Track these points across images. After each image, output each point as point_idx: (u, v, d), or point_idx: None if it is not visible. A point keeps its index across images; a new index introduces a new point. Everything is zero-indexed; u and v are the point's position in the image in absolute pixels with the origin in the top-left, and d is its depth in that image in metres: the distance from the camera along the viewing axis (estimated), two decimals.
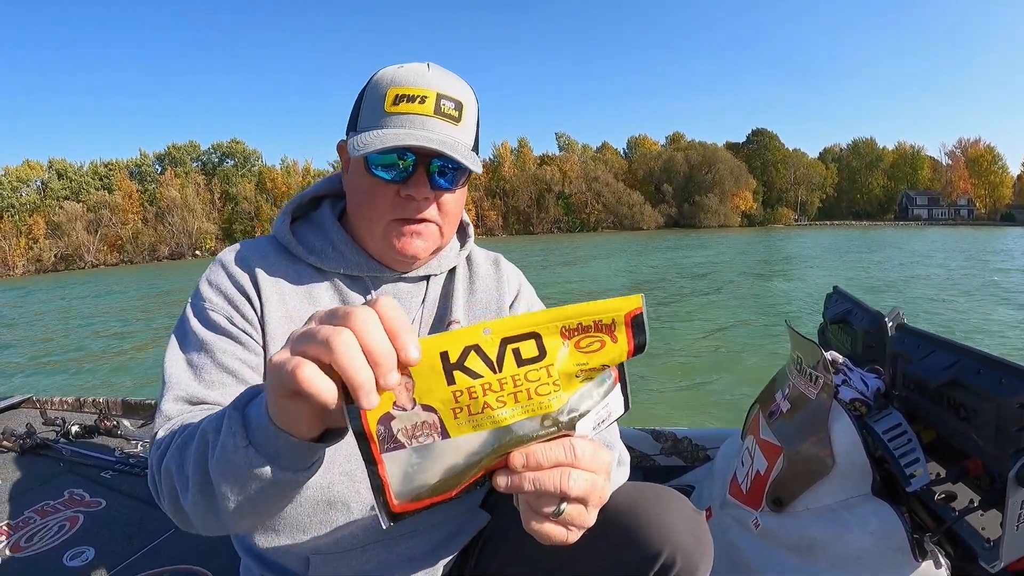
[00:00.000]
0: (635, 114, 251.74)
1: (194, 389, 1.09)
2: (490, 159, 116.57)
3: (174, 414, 1.06)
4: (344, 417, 0.66)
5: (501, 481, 0.71)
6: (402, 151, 1.13)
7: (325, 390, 0.62)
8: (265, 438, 0.77)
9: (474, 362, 0.67)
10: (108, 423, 3.59)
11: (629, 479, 1.22)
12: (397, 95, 1.13)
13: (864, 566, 1.63)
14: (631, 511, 1.13)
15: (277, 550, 1.24)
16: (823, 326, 2.52)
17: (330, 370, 0.62)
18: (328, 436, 0.78)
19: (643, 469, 2.82)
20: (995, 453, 1.47)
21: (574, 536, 0.77)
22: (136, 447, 3.39)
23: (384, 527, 0.70)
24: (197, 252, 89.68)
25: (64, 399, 4.21)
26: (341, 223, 1.32)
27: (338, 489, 1.19)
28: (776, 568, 1.78)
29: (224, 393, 1.08)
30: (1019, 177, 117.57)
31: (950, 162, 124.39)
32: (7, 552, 2.36)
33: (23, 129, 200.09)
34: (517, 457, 0.70)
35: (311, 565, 1.22)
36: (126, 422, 3.68)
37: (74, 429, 3.51)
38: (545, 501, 0.73)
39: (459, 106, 1.17)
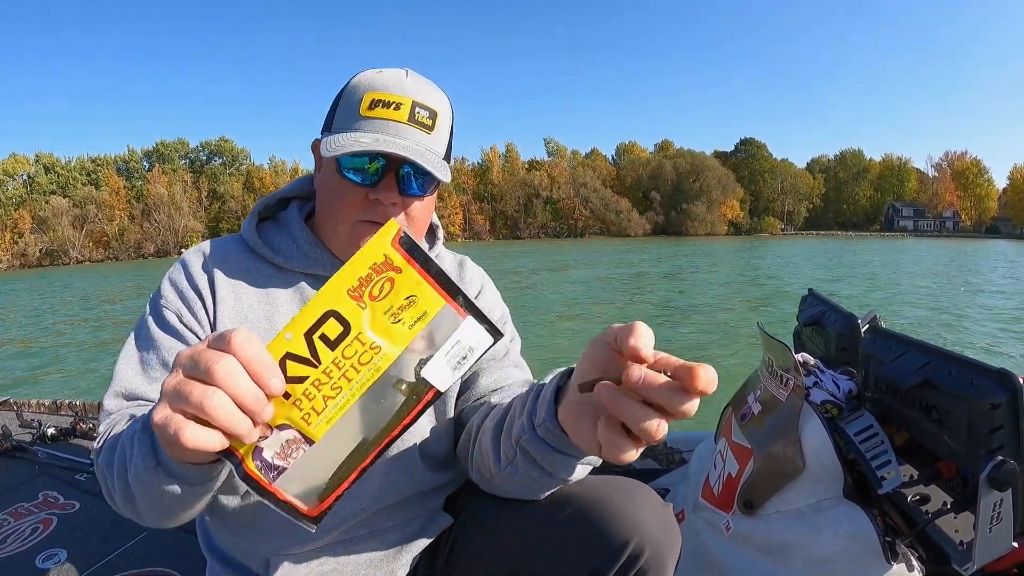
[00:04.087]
0: (624, 121, 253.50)
1: (135, 385, 1.14)
2: (478, 163, 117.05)
3: (113, 409, 1.12)
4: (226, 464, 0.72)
5: (634, 373, 0.68)
6: (373, 155, 1.15)
7: (212, 442, 0.67)
8: (170, 462, 0.82)
9: (294, 368, 0.70)
10: (84, 426, 3.58)
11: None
12: (373, 100, 1.15)
13: (836, 569, 1.62)
14: (597, 503, 1.13)
15: (238, 551, 1.27)
16: (798, 328, 2.51)
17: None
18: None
19: (617, 472, 2.77)
20: (967, 455, 1.46)
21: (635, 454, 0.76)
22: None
23: (313, 531, 0.72)
24: (183, 250, 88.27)
25: (41, 401, 4.20)
26: (308, 225, 1.33)
27: None
28: (747, 571, 1.76)
29: None
30: (1005, 190, 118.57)
31: (936, 174, 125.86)
32: None
33: (10, 123, 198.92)
34: (700, 373, 0.65)
35: (271, 566, 1.22)
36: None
37: (50, 432, 3.49)
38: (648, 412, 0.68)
39: (433, 115, 1.19)
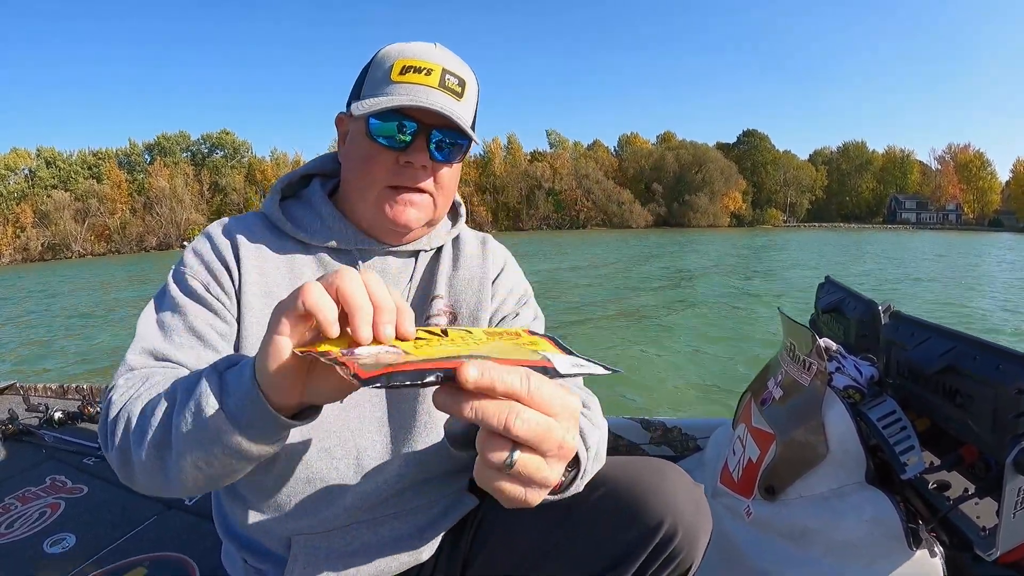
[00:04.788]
0: (626, 113, 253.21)
1: (161, 345, 1.10)
2: (480, 155, 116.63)
3: (138, 365, 1.07)
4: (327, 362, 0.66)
5: (439, 399, 0.62)
6: (404, 121, 1.15)
7: (327, 307, 0.69)
8: (241, 404, 0.80)
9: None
10: (92, 409, 3.56)
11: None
12: (405, 66, 1.15)
13: (858, 554, 1.62)
14: (630, 484, 1.13)
15: (258, 532, 1.23)
16: (815, 316, 2.51)
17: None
18: (301, 415, 0.83)
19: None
20: (991, 440, 1.45)
21: (535, 496, 0.67)
22: None
23: (355, 384, 0.62)
24: (185, 243, 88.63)
25: (48, 386, 4.17)
26: (332, 200, 1.31)
27: (316, 467, 1.18)
28: (769, 556, 1.76)
29: (189, 356, 1.09)
30: (1008, 183, 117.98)
31: (939, 167, 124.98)
32: None
33: (11, 117, 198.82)
34: (470, 370, 0.59)
35: (293, 546, 1.21)
36: None
37: (57, 416, 3.48)
38: (494, 446, 0.63)
39: (462, 83, 1.19)
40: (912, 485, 1.68)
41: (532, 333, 0.80)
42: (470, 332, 0.77)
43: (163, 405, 0.89)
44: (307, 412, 0.84)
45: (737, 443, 2.02)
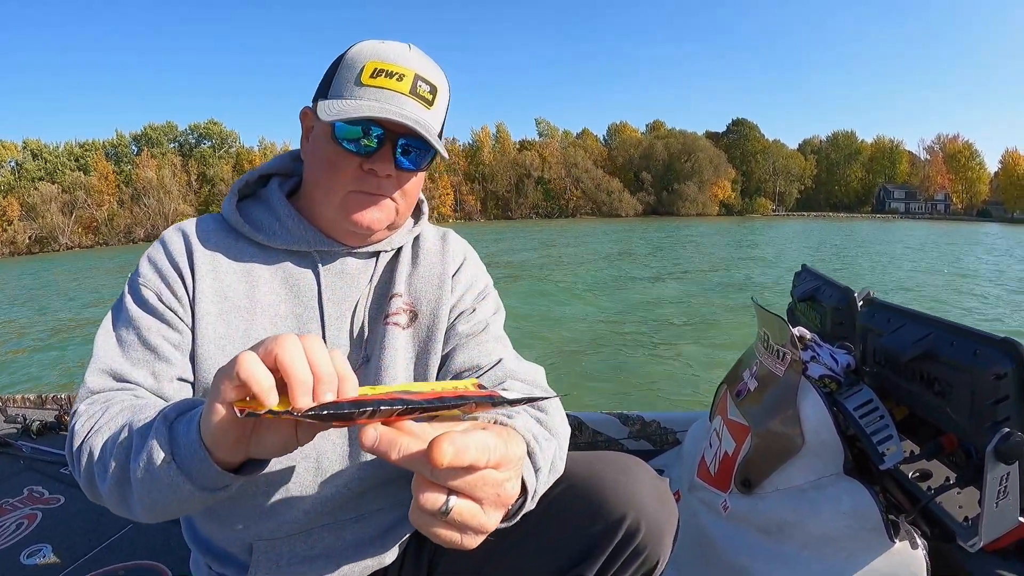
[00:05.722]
0: (615, 101, 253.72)
1: (118, 364, 1.10)
2: (469, 144, 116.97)
3: (97, 388, 1.08)
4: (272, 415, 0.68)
5: (367, 438, 0.64)
6: (370, 127, 1.13)
7: (261, 379, 0.69)
8: (189, 459, 0.82)
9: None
10: (69, 419, 3.49)
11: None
12: (376, 68, 1.13)
13: (837, 547, 1.61)
14: (591, 478, 1.12)
15: (221, 537, 1.24)
16: (792, 305, 2.51)
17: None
18: (247, 468, 0.85)
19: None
20: (971, 427, 1.44)
21: (471, 541, 0.67)
22: None
23: (295, 415, 0.67)
24: None
25: (26, 396, 4.16)
26: (291, 201, 1.30)
27: (275, 471, 1.17)
28: (746, 551, 1.75)
29: (145, 372, 1.10)
30: (996, 174, 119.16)
31: (928, 157, 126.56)
32: None
33: None
34: (443, 446, 0.61)
35: (254, 551, 1.20)
36: None
37: (35, 426, 3.49)
38: (429, 491, 0.63)
39: (434, 90, 1.17)
40: (891, 475, 1.67)
41: (480, 387, 0.78)
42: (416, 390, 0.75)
43: (121, 447, 0.91)
44: (253, 466, 0.87)
45: (713, 436, 2.01)
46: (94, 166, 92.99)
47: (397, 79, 1.12)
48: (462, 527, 0.65)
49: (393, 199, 1.20)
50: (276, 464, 1.16)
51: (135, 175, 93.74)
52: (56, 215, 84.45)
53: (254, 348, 0.71)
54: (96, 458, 0.93)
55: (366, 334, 1.23)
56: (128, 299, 1.16)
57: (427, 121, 1.14)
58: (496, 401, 0.68)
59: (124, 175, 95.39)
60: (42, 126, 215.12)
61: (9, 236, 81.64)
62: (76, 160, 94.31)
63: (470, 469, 0.63)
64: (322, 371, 0.70)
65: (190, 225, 1.26)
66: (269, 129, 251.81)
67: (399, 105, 1.12)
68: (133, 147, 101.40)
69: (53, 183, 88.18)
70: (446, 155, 1.20)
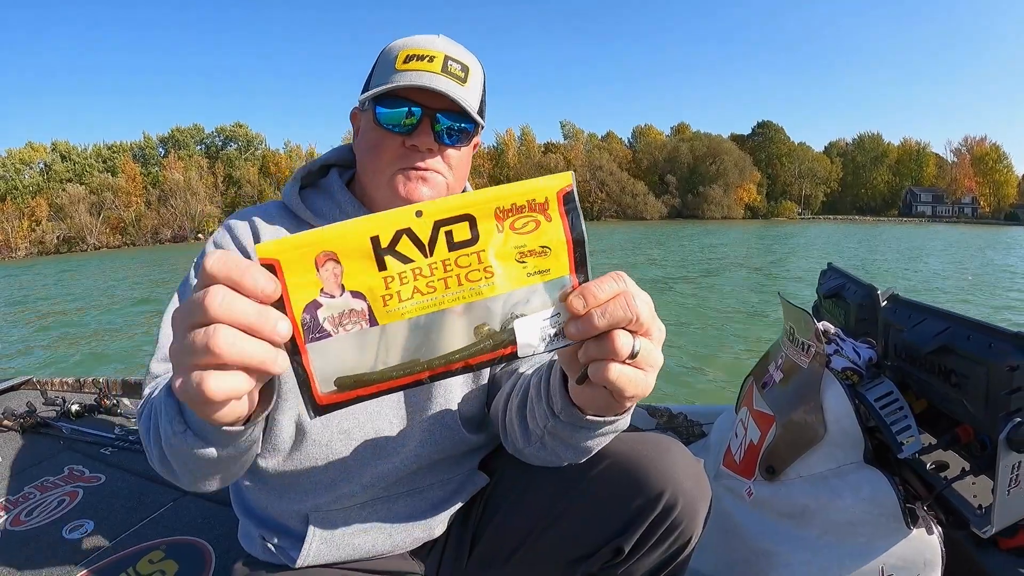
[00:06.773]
0: (640, 104, 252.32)
1: None
2: (494, 146, 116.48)
3: (159, 372, 1.13)
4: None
5: (571, 328, 0.69)
6: (410, 108, 1.18)
7: (239, 384, 0.63)
8: (200, 424, 0.82)
9: (406, 246, 0.65)
10: (108, 402, 3.62)
11: None
12: (408, 55, 1.18)
13: (856, 532, 1.64)
14: (631, 455, 1.16)
15: (276, 509, 1.28)
16: (817, 301, 2.53)
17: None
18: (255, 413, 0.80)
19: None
20: (985, 418, 1.47)
21: (651, 379, 0.75)
22: (136, 425, 3.39)
23: (310, 419, 0.66)
24: (200, 235, 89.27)
25: (64, 380, 4.22)
26: (349, 190, 1.35)
27: (336, 447, 1.22)
28: (769, 536, 1.78)
29: None
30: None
31: (955, 160, 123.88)
32: (7, 526, 2.39)
33: (26, 111, 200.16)
34: (575, 300, 0.68)
35: (311, 522, 1.24)
36: (126, 401, 3.71)
37: (74, 408, 3.54)
38: (619, 342, 0.69)
39: (465, 69, 1.21)
40: (909, 465, 1.70)
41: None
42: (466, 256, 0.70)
43: (153, 425, 0.94)
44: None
45: (739, 426, 2.04)
46: (122, 168, 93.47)
47: (428, 60, 1.17)
48: (647, 364, 0.73)
49: (441, 173, 1.23)
50: (338, 441, 1.21)
51: (162, 177, 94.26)
52: (84, 216, 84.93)
53: (190, 358, 0.62)
54: (149, 438, 0.96)
55: None
56: (193, 281, 1.18)
57: (460, 95, 1.18)
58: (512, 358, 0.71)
59: (151, 177, 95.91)
60: (71, 128, 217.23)
61: (38, 236, 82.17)
62: (104, 162, 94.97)
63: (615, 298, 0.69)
64: (258, 328, 0.62)
65: (253, 211, 1.31)
66: (295, 132, 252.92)
67: (432, 82, 1.16)
68: (160, 149, 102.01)
69: (81, 184, 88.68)
70: (483, 123, 1.25)
